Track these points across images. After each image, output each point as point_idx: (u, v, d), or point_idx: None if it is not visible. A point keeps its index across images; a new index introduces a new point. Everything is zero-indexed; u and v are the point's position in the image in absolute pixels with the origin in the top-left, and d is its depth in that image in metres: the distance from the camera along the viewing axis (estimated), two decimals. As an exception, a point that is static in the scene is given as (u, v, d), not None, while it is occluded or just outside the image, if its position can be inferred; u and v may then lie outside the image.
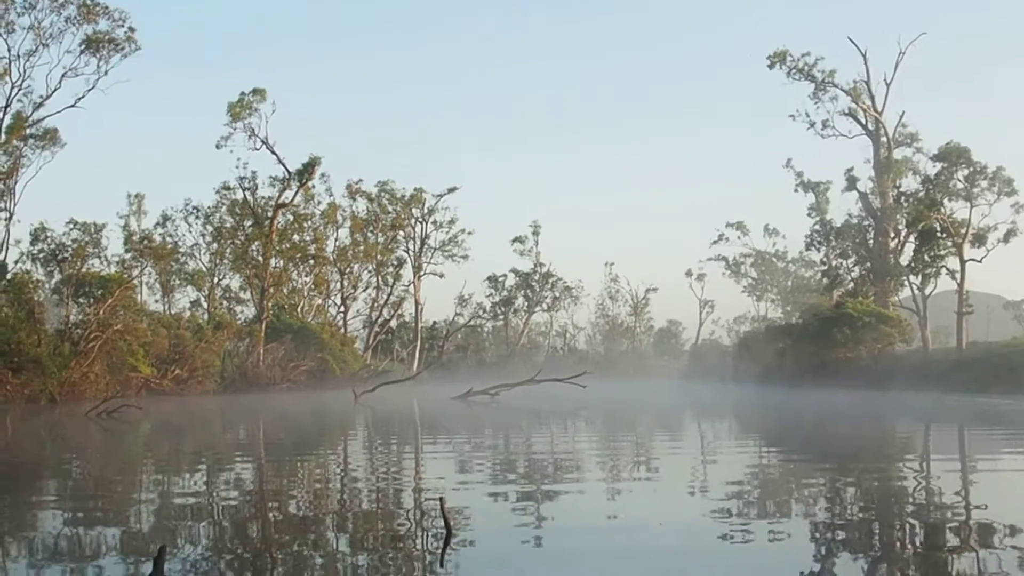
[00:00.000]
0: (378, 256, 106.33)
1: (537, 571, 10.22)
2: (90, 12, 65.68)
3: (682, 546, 11.30)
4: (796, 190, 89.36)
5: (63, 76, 66.32)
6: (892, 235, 76.50)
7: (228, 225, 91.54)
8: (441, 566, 10.19)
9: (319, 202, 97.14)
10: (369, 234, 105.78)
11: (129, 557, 10.89)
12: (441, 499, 11.86)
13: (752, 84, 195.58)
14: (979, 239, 67.53)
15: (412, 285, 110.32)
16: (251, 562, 10.77)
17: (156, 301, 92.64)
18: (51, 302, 73.07)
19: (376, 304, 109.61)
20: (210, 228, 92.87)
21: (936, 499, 15.42)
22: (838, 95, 78.71)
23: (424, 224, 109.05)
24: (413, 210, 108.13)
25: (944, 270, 69.40)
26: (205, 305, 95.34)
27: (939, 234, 68.47)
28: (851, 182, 78.48)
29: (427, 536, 11.81)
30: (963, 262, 67.36)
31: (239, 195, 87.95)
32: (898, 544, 11.73)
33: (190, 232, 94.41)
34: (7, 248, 70.07)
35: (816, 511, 14.10)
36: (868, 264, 77.47)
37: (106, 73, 67.10)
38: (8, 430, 35.49)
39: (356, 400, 56.39)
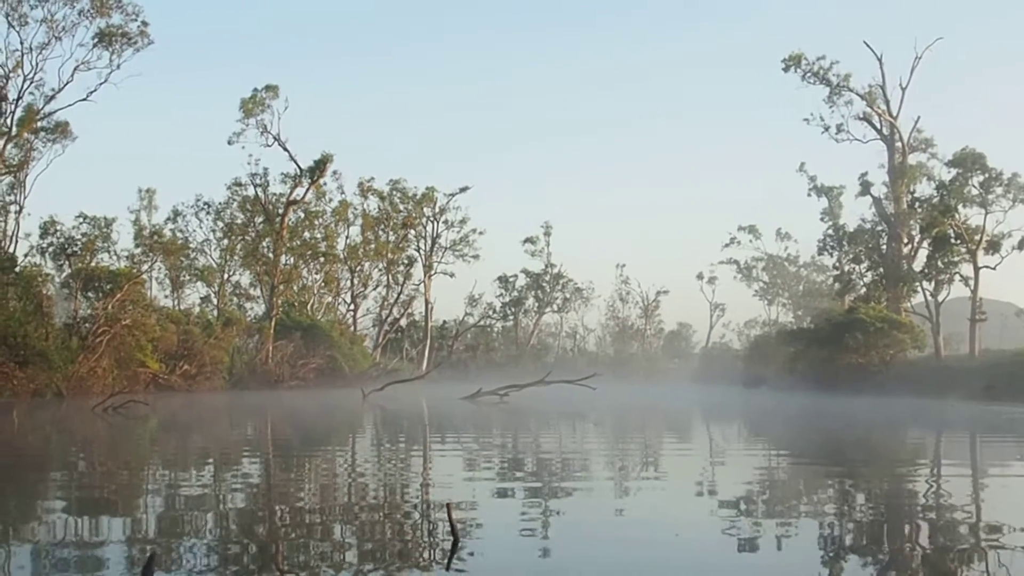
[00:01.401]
0: (389, 255, 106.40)
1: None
2: (103, 6, 65.56)
3: (695, 555, 11.03)
4: (809, 194, 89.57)
5: (75, 69, 66.27)
6: (905, 241, 76.12)
7: (239, 221, 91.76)
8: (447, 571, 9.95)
9: (330, 199, 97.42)
10: (380, 232, 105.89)
11: (134, 554, 10.67)
12: (448, 505, 11.59)
13: (766, 87, 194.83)
14: (993, 246, 67.08)
15: (422, 284, 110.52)
16: (256, 562, 10.55)
17: (166, 296, 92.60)
18: (60, 296, 73.01)
19: (386, 303, 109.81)
20: (221, 224, 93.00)
21: (947, 506, 15.14)
22: (853, 99, 78.28)
23: (435, 223, 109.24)
24: (425, 209, 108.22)
25: (958, 277, 69.02)
26: (215, 301, 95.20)
27: (953, 240, 68.07)
28: (865, 187, 78.12)
29: (434, 541, 11.56)
30: (977, 269, 66.97)
31: (250, 191, 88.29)
32: (912, 552, 11.45)
33: (200, 228, 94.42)
34: (16, 241, 70.24)
35: (827, 518, 13.82)
36: (881, 269, 77.06)
37: (118, 67, 67.09)
38: (14, 424, 35.29)
39: (365, 398, 56.30)
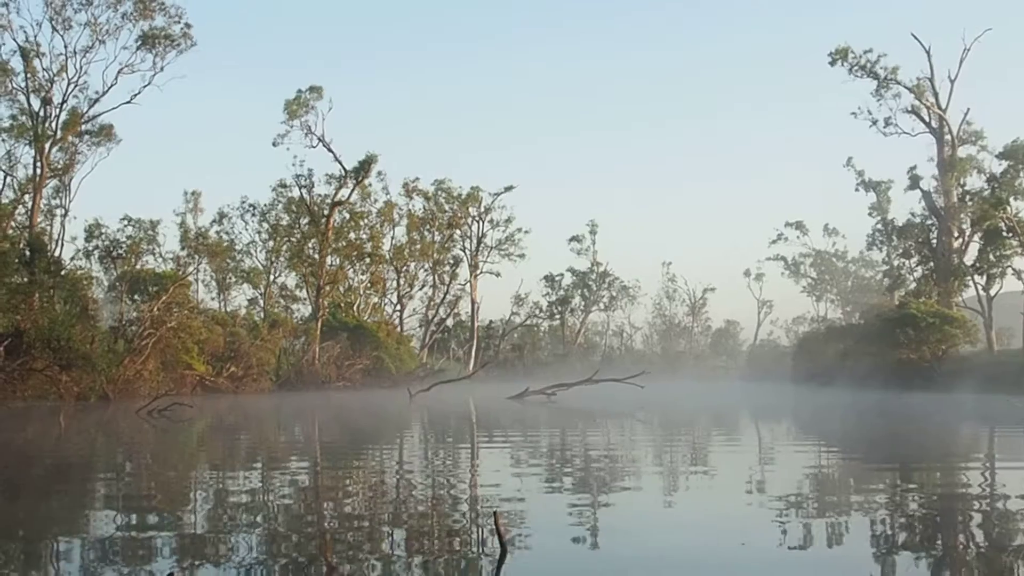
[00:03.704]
0: (434, 255, 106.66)
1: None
2: (146, 8, 66.02)
3: (765, 569, 10.55)
4: (857, 189, 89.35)
5: (119, 72, 66.94)
6: (956, 234, 75.21)
7: (284, 223, 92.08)
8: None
9: (375, 200, 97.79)
10: (426, 232, 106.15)
11: (184, 560, 10.55)
12: (495, 513, 11.15)
13: (813, 81, 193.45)
14: (1046, 238, 66.22)
15: (468, 284, 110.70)
16: (304, 569, 10.34)
17: (212, 299, 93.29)
18: (106, 299, 73.40)
19: (432, 303, 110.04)
20: (266, 226, 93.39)
21: (1002, 504, 14.67)
22: (901, 92, 77.42)
23: (481, 223, 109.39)
24: (470, 209, 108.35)
25: (1010, 270, 68.20)
26: (261, 303, 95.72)
27: (1005, 233, 67.13)
28: (914, 181, 77.19)
29: (481, 551, 11.18)
30: (1029, 262, 66.17)
31: (295, 193, 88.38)
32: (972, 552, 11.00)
33: (246, 230, 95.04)
34: (62, 244, 70.75)
35: (881, 517, 13.38)
36: (931, 264, 76.13)
37: (162, 69, 67.70)
38: (60, 427, 35.28)
39: (411, 399, 56.27)
